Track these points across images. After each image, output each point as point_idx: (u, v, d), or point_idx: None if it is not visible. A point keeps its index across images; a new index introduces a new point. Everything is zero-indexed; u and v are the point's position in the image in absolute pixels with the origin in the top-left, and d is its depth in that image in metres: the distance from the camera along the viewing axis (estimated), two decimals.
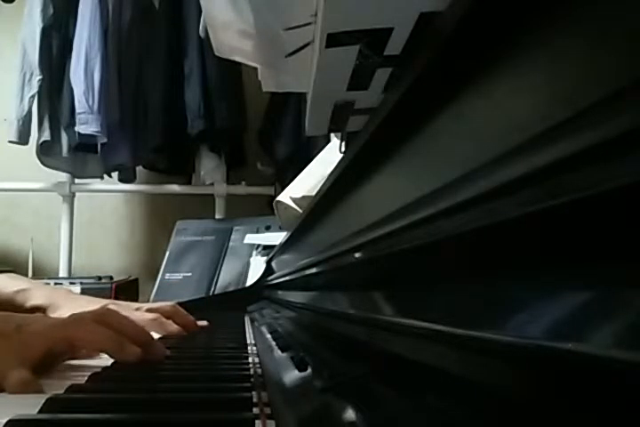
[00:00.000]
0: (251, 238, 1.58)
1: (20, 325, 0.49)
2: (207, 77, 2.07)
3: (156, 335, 0.75)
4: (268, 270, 1.28)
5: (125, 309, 0.76)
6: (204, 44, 1.94)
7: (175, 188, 2.30)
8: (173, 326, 0.78)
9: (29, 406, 0.33)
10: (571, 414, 0.15)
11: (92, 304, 0.76)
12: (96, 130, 1.98)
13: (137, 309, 0.80)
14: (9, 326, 0.49)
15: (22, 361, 0.45)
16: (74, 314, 0.54)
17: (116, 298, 1.63)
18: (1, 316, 0.55)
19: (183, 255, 1.74)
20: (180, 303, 0.87)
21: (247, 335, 0.76)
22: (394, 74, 0.34)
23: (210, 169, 2.17)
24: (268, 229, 1.62)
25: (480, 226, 0.20)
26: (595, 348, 0.13)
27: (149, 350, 0.52)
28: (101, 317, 0.52)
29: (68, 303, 0.80)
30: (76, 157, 2.14)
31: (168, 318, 0.79)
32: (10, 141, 2.06)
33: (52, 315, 0.77)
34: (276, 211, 1.13)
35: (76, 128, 1.99)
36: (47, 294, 0.82)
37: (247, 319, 1.00)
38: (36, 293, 0.82)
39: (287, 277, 0.88)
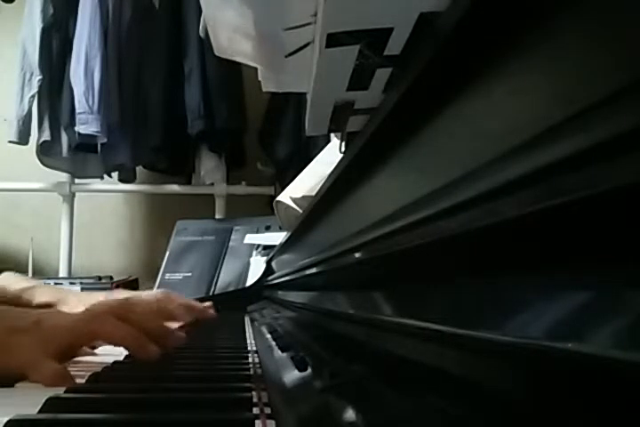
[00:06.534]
0: (251, 238, 1.58)
1: (39, 320, 0.49)
2: (207, 77, 2.07)
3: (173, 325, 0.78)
4: (268, 270, 1.28)
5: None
6: (204, 44, 1.94)
7: (175, 188, 2.31)
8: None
9: (29, 406, 0.33)
10: (570, 414, 0.15)
11: (95, 298, 0.80)
12: (96, 130, 1.98)
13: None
14: (26, 321, 0.49)
15: (46, 355, 0.45)
16: (92, 307, 0.55)
17: None
18: (16, 312, 0.56)
19: (183, 255, 1.74)
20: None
21: (247, 335, 0.76)
22: (394, 74, 0.34)
23: (210, 169, 2.17)
24: (267, 229, 1.62)
25: (480, 226, 0.20)
26: (595, 348, 0.13)
27: (166, 343, 0.54)
28: (121, 311, 0.53)
29: (75, 298, 0.84)
30: (76, 156, 2.14)
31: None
32: (10, 141, 2.06)
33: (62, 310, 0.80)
34: (275, 211, 1.13)
35: (76, 128, 1.99)
36: (53, 292, 0.87)
37: (247, 319, 1.00)
38: (42, 290, 0.87)
39: (287, 277, 0.88)
